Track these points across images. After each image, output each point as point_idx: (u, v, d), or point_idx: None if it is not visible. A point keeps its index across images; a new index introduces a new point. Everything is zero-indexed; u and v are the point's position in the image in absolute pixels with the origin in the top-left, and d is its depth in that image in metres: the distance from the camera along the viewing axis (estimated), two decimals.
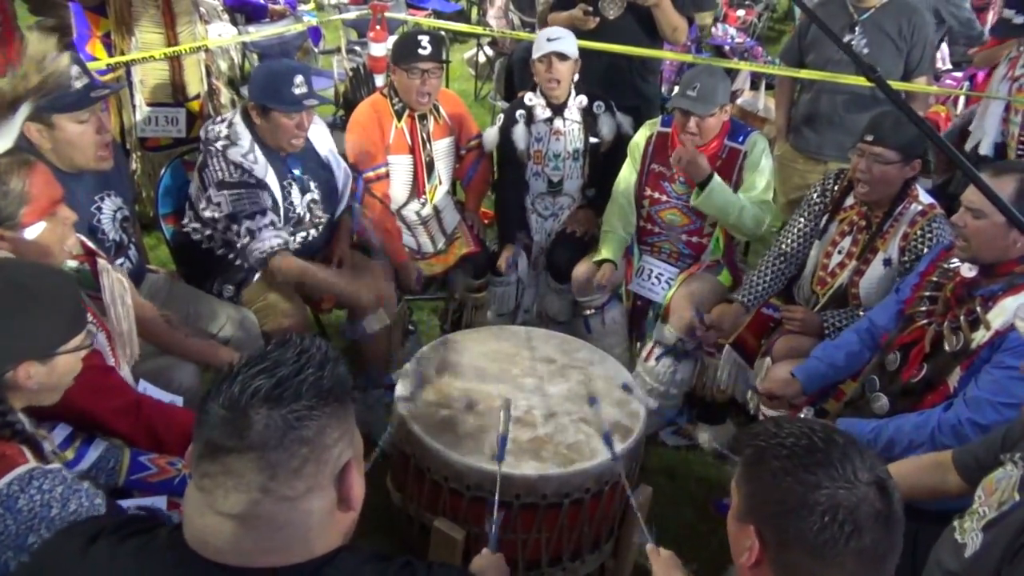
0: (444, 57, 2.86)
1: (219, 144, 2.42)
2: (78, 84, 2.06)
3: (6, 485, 1.21)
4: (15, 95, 1.67)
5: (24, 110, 1.69)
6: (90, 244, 1.95)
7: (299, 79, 2.40)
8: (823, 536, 0.98)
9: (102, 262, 1.93)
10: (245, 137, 2.44)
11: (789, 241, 2.64)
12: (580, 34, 3.24)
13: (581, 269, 2.94)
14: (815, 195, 2.61)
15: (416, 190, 2.99)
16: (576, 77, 2.97)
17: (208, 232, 2.47)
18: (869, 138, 2.31)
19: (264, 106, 2.41)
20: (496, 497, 1.73)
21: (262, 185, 2.43)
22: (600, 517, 1.98)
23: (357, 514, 0.98)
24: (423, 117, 2.92)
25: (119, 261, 2.20)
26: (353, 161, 2.87)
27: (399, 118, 2.88)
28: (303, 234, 2.63)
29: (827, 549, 0.98)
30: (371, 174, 2.88)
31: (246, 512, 0.89)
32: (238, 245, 2.42)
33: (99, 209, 2.20)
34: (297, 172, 2.58)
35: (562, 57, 2.87)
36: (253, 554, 0.90)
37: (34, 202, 1.65)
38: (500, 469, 1.77)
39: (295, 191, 2.56)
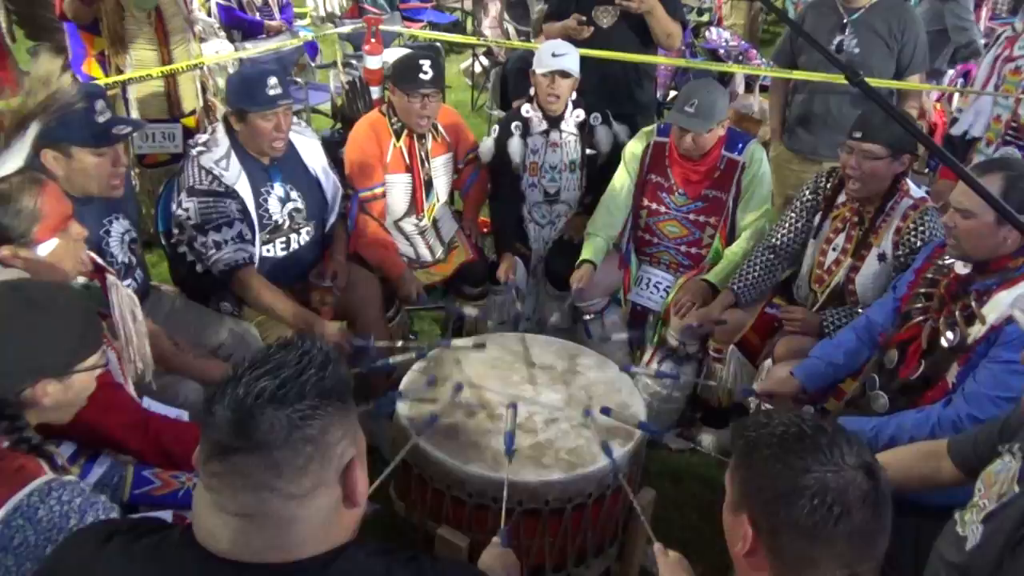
0: (444, 82, 2.86)
1: (195, 150, 2.46)
2: (101, 119, 2.09)
3: (26, 496, 1.23)
4: (24, 114, 1.71)
5: (33, 129, 1.73)
6: (100, 261, 1.97)
7: (273, 80, 2.42)
8: (813, 519, 1.01)
9: (111, 278, 1.95)
10: (223, 144, 2.48)
11: (779, 236, 2.65)
12: (574, 43, 3.26)
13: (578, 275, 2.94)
14: (807, 193, 2.62)
15: (415, 208, 3.00)
16: (574, 95, 2.99)
17: (185, 241, 2.49)
18: (858, 135, 2.32)
19: (241, 110, 2.44)
20: (504, 491, 1.74)
21: (231, 193, 2.45)
22: (604, 521, 1.99)
23: (362, 510, 1.01)
24: (421, 136, 2.92)
25: (126, 283, 2.21)
26: (350, 180, 2.88)
27: (397, 137, 2.89)
28: (283, 240, 2.64)
29: (818, 531, 1.01)
30: (367, 194, 2.89)
31: (254, 510, 0.91)
32: (204, 257, 2.45)
33: (107, 232, 2.22)
34: (278, 181, 2.59)
35: (565, 75, 2.88)
36: (264, 551, 0.92)
37: (46, 219, 1.68)
38: (508, 464, 1.79)
39: (272, 199, 2.58)
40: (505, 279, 2.99)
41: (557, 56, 2.86)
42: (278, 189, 2.59)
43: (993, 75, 3.27)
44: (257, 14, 5.34)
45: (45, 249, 1.68)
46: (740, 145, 2.77)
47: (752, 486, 1.07)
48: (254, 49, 4.76)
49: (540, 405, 2.07)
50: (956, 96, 4.24)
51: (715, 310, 2.65)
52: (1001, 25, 4.53)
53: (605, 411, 2.01)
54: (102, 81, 3.19)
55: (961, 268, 1.94)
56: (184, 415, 1.98)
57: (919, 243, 2.30)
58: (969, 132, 3.34)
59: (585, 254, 2.87)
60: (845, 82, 3.12)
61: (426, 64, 2.75)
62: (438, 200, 3.06)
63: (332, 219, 2.80)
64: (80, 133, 2.00)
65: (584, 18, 3.27)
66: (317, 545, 0.94)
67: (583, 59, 3.00)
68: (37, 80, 1.75)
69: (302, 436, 0.92)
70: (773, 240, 2.66)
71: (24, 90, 1.74)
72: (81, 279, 1.87)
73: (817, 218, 2.58)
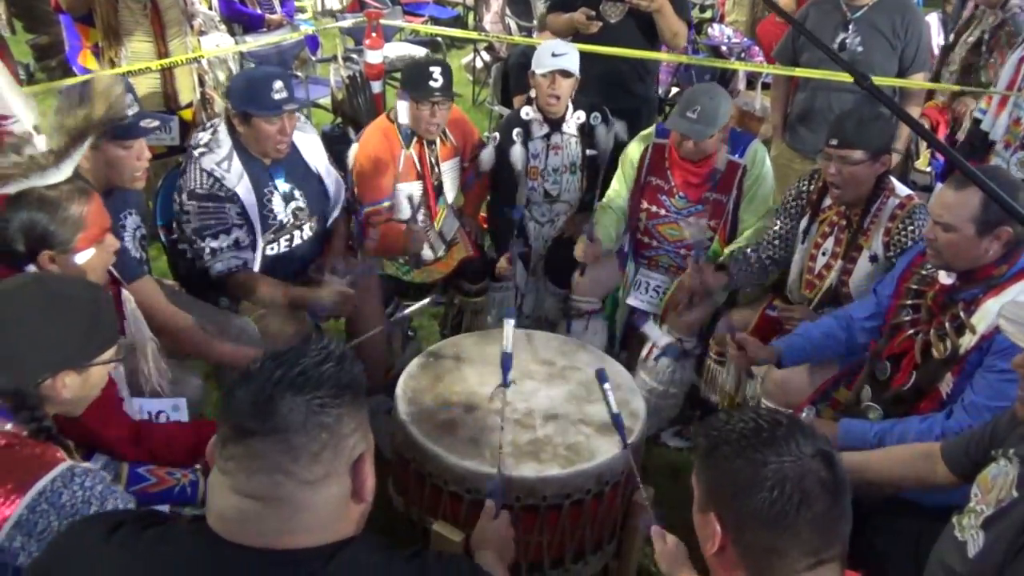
0: (453, 90, 2.81)
1: (197, 151, 2.45)
2: (130, 112, 2.10)
3: (50, 482, 1.25)
4: (85, 127, 1.73)
5: (88, 142, 1.76)
6: (115, 273, 1.97)
7: (278, 84, 2.40)
8: (775, 509, 1.03)
9: (126, 292, 1.96)
10: (225, 145, 2.46)
11: (764, 246, 2.65)
12: (579, 38, 3.23)
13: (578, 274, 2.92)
14: (790, 197, 2.60)
15: (428, 215, 2.98)
16: (574, 94, 2.96)
17: (185, 240, 2.50)
18: (834, 142, 2.30)
19: (245, 113, 2.42)
20: (500, 446, 1.73)
21: (231, 198, 2.44)
22: (602, 518, 1.98)
23: (369, 506, 1.04)
24: (431, 141, 2.89)
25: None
26: (358, 192, 2.86)
27: (407, 145, 2.86)
28: (287, 237, 2.64)
29: (780, 520, 1.03)
30: (371, 209, 2.85)
31: (267, 493, 0.94)
32: (202, 260, 2.47)
33: (123, 227, 2.22)
34: (280, 180, 2.58)
35: (566, 75, 2.85)
36: (274, 535, 0.95)
37: (88, 229, 1.71)
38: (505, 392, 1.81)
39: (276, 199, 2.56)
40: (506, 270, 2.96)
41: (557, 56, 2.82)
42: (281, 188, 2.58)
43: (1018, 77, 3.24)
44: (258, 7, 5.34)
45: (82, 258, 1.71)
46: (741, 148, 2.74)
47: (716, 484, 1.10)
48: (254, 43, 4.75)
49: (539, 401, 2.06)
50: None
51: (711, 281, 2.64)
52: None
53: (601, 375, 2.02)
54: (100, 74, 3.17)
55: (945, 278, 1.94)
56: (181, 403, 1.99)
57: (910, 242, 2.29)
58: (989, 135, 3.32)
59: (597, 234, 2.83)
60: (847, 80, 3.13)
61: (436, 71, 2.70)
62: (447, 204, 3.05)
63: (335, 214, 2.79)
64: (111, 127, 1.99)
65: (593, 13, 3.25)
66: (324, 535, 0.97)
67: (587, 54, 2.97)
68: (100, 95, 1.78)
69: (318, 423, 0.95)
70: (761, 255, 2.66)
71: (86, 104, 1.76)
72: None
73: (804, 222, 2.56)
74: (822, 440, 1.08)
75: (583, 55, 2.95)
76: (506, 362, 1.88)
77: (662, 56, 3.64)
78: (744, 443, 1.07)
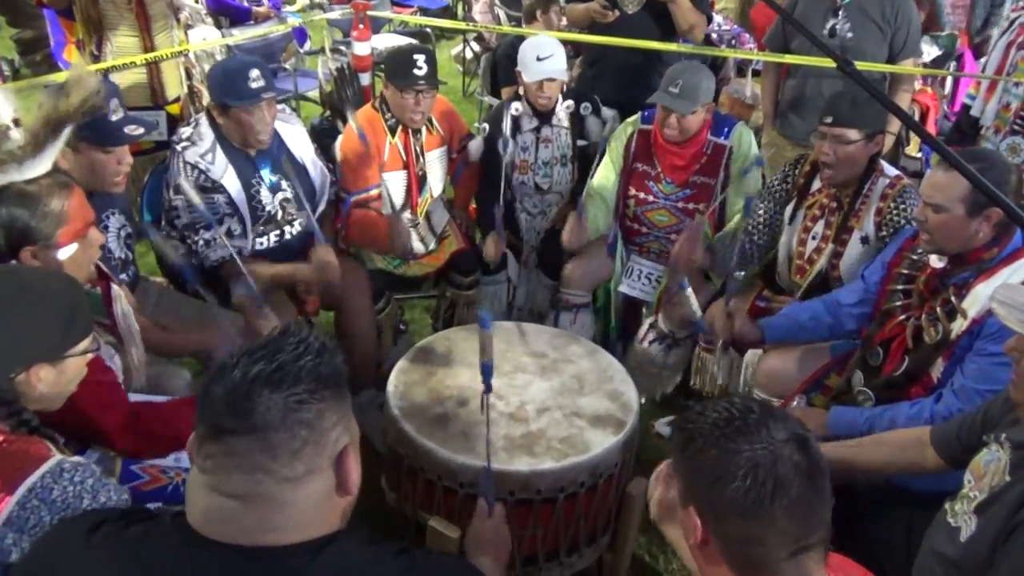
0: (438, 79, 2.78)
1: (180, 145, 2.43)
2: (114, 117, 2.07)
3: (40, 478, 1.23)
4: (59, 117, 1.71)
5: (66, 134, 1.73)
6: (104, 268, 1.95)
7: (255, 73, 2.38)
8: (749, 497, 1.01)
9: (116, 288, 1.94)
10: (207, 137, 2.44)
11: (748, 231, 2.63)
12: (595, 29, 3.21)
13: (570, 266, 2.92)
14: (776, 182, 2.59)
15: (409, 204, 2.96)
16: (564, 89, 2.94)
17: (176, 235, 2.47)
18: (828, 120, 2.29)
19: (224, 104, 2.40)
20: (487, 445, 1.70)
21: (218, 188, 2.42)
22: (596, 510, 1.98)
23: (354, 499, 1.02)
24: (416, 130, 2.87)
25: (121, 276, 2.21)
26: (344, 181, 2.83)
27: (392, 133, 2.83)
28: (276, 232, 2.62)
29: (756, 509, 1.01)
30: (361, 196, 2.83)
31: (248, 492, 0.92)
32: (195, 252, 2.45)
33: (106, 228, 2.20)
34: (266, 171, 2.56)
35: (552, 80, 2.83)
36: (256, 533, 0.93)
37: (70, 223, 1.68)
38: (488, 397, 1.74)
39: (264, 191, 2.54)
40: (496, 258, 2.94)
41: (542, 60, 2.79)
42: (268, 179, 2.56)
43: (1006, 62, 3.24)
44: (244, 0, 5.29)
45: (65, 253, 1.68)
46: (726, 130, 2.74)
47: (692, 477, 1.08)
48: (241, 36, 4.71)
49: (532, 394, 2.06)
50: (948, 79, 4.22)
51: (698, 256, 2.65)
52: (1015, 9, 4.47)
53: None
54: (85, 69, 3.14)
55: (936, 262, 1.94)
56: None
57: (902, 221, 2.28)
58: (979, 120, 3.33)
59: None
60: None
61: (420, 59, 2.67)
62: (431, 195, 3.02)
63: (321, 207, 2.77)
64: (92, 130, 1.98)
65: (607, 4, 3.24)
66: (308, 530, 0.95)
67: (604, 45, 2.90)
68: (73, 83, 1.75)
69: (298, 419, 0.93)
70: (752, 234, 2.64)
71: (60, 93, 1.73)
72: (86, 286, 1.86)
73: (790, 208, 2.54)
74: (795, 424, 1.07)
75: (600, 46, 2.90)
76: (486, 369, 1.88)
77: (652, 45, 3.61)
78: (717, 433, 1.05)
